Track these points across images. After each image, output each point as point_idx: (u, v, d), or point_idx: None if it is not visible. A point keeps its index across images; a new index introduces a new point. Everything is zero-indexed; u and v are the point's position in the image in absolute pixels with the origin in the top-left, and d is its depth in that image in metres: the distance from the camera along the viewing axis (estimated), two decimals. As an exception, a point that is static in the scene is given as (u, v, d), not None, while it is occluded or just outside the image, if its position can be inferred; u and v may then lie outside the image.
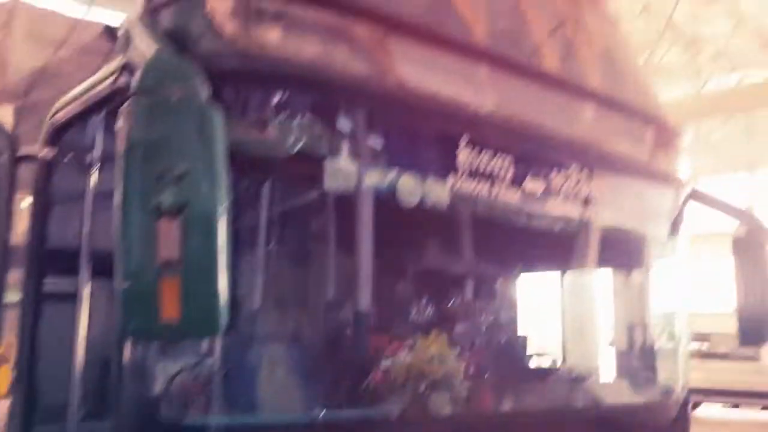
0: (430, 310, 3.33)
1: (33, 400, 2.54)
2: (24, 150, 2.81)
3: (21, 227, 2.82)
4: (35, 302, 2.68)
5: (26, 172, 2.81)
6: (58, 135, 2.83)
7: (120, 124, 1.76)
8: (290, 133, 2.11)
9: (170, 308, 1.71)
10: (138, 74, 1.83)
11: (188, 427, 2.22)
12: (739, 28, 14.62)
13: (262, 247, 3.13)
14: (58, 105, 2.82)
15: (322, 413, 2.48)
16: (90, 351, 2.60)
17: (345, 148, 2.35)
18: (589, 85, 3.38)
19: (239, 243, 2.43)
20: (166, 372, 2.30)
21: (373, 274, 2.93)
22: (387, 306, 3.36)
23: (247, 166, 2.12)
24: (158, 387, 2.23)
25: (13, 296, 2.72)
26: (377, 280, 3.09)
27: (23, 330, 2.66)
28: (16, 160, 2.78)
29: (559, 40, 3.57)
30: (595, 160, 3.21)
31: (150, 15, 2.29)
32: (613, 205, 3.32)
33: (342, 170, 2.36)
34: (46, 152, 2.80)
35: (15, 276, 2.75)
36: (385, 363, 2.59)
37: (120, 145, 1.75)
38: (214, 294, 1.74)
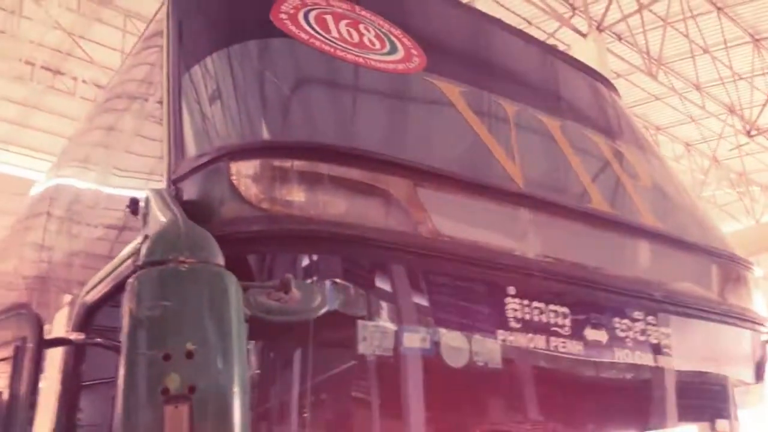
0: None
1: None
2: (52, 334, 2.70)
3: (48, 412, 2.65)
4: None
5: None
6: (88, 316, 2.72)
7: (125, 299, 1.62)
8: (319, 297, 1.94)
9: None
10: (146, 245, 1.71)
11: None
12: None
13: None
14: (88, 285, 2.74)
15: None
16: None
17: (380, 308, 2.16)
18: (646, 223, 3.18)
19: (270, 420, 2.22)
20: None
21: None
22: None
23: (271, 335, 1.94)
24: None
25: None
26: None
27: None
28: (44, 344, 2.66)
29: (607, 179, 3.41)
30: (661, 303, 2.94)
31: (172, 185, 2.23)
32: (686, 351, 3.01)
33: (379, 332, 2.16)
34: (76, 336, 2.67)
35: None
36: None
37: (124, 322, 1.59)
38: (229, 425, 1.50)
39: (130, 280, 1.64)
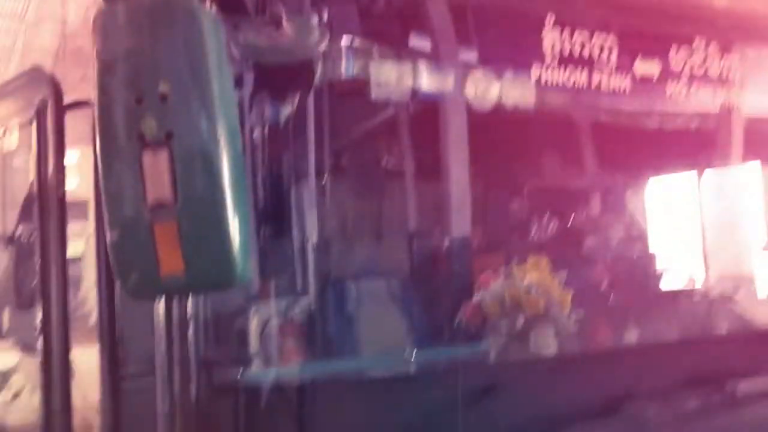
0: (536, 231, 2.89)
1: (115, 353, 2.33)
2: (72, 97, 2.58)
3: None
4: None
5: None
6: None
7: (92, 39, 1.44)
8: (316, 32, 1.71)
9: (171, 260, 1.40)
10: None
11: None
12: None
13: (338, 173, 2.80)
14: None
15: (410, 356, 2.16)
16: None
17: (394, 46, 1.93)
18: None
19: (301, 171, 2.11)
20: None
21: (465, 194, 2.54)
22: (485, 230, 2.96)
23: (270, 83, 1.75)
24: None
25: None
26: (472, 200, 2.69)
27: (100, 281, 2.45)
28: (64, 109, 2.56)
29: None
30: (734, 30, 2.60)
31: None
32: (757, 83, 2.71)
33: (398, 74, 1.95)
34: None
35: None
36: (477, 296, 2.20)
37: (94, 66, 1.43)
38: (224, 239, 1.40)
39: (94, 17, 1.45)
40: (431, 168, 2.83)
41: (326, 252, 2.55)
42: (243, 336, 2.01)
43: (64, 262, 2.37)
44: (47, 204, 2.38)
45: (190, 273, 1.40)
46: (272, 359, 2.09)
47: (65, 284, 2.35)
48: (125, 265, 1.43)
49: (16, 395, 2.60)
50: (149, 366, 2.20)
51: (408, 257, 2.82)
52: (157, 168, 1.38)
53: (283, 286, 2.18)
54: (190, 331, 1.88)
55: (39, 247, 2.39)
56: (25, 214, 2.54)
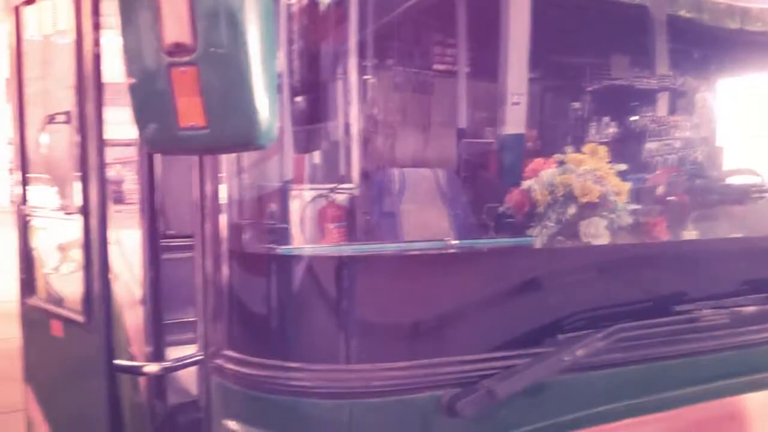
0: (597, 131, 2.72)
1: (154, 226, 2.29)
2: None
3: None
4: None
5: None
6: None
7: None
8: None
9: (190, 111, 1.30)
10: None
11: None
12: None
13: (386, 59, 2.66)
14: None
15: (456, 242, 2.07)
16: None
17: None
18: None
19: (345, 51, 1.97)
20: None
21: (522, 87, 2.39)
22: (542, 122, 2.80)
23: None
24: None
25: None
26: (529, 89, 2.54)
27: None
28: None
29: None
30: None
31: None
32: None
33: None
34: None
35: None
36: (528, 183, 2.07)
37: None
38: (248, 92, 1.29)
39: None
40: (488, 59, 2.67)
41: (371, 139, 2.44)
42: (282, 213, 1.93)
43: (101, 138, 2.32)
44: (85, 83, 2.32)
45: (211, 127, 1.30)
46: (309, 238, 2.03)
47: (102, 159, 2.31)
48: (144, 113, 1.33)
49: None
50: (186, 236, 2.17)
51: (456, 149, 2.70)
52: (175, 5, 1.26)
53: (326, 169, 2.10)
54: (225, 201, 1.81)
55: (78, 125, 2.35)
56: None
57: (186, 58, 1.28)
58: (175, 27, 1.27)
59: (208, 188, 1.80)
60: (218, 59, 1.28)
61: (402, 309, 1.70)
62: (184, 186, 1.98)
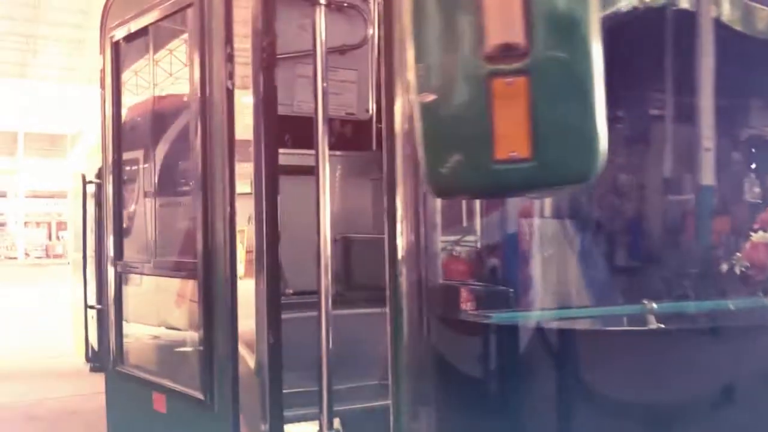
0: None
1: (276, 284, 1.97)
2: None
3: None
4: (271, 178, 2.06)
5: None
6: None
7: None
8: None
9: (513, 137, 0.94)
10: None
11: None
12: None
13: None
14: None
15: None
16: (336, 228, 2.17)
17: None
18: None
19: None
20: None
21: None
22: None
23: None
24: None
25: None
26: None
27: (259, 209, 2.06)
28: None
29: None
30: None
31: None
32: None
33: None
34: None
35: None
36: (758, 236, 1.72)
37: None
38: (590, 110, 0.94)
39: None
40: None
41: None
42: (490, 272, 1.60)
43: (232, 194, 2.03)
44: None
45: (538, 158, 0.94)
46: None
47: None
48: (437, 141, 0.97)
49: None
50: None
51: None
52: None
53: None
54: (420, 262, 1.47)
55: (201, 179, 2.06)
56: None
57: (515, 65, 0.92)
58: (503, 24, 0.92)
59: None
60: (559, 67, 0.92)
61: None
62: None
